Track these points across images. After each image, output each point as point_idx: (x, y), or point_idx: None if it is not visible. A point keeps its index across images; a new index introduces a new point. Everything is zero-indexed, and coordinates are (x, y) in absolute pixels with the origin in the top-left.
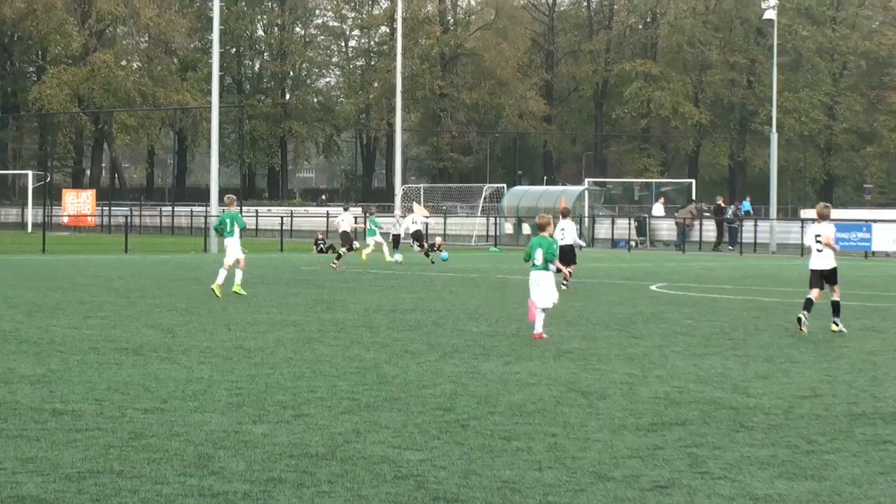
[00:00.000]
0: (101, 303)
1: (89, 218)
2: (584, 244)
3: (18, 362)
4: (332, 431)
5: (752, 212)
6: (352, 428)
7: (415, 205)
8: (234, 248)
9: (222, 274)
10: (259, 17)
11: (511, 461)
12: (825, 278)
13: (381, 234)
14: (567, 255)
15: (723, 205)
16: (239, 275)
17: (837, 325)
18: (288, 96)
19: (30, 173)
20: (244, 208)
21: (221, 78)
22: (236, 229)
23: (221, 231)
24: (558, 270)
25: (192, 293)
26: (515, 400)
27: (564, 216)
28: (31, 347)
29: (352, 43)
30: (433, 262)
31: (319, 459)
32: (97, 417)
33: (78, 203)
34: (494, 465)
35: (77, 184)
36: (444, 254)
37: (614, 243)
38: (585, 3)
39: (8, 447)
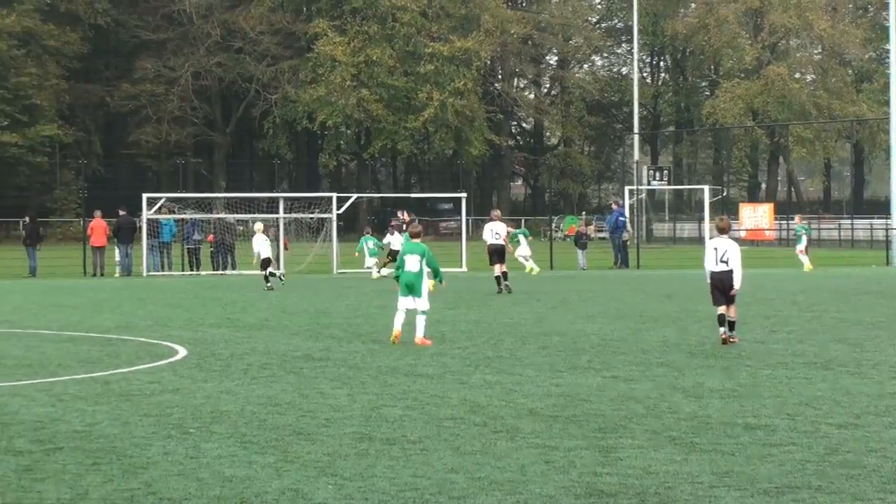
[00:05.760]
0: (787, 317)
1: (767, 232)
2: None
3: (707, 376)
4: None
5: None
6: None
7: None
8: None
9: None
10: None
11: None
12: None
13: None
14: None
15: None
16: None
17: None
18: None
19: (706, 188)
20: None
21: None
22: None
23: None
24: None
25: (878, 307)
26: None
27: None
28: (719, 362)
29: None
30: None
31: None
32: (790, 432)
33: (755, 217)
34: None
35: (753, 197)
36: None
37: None
38: None
39: (703, 461)
